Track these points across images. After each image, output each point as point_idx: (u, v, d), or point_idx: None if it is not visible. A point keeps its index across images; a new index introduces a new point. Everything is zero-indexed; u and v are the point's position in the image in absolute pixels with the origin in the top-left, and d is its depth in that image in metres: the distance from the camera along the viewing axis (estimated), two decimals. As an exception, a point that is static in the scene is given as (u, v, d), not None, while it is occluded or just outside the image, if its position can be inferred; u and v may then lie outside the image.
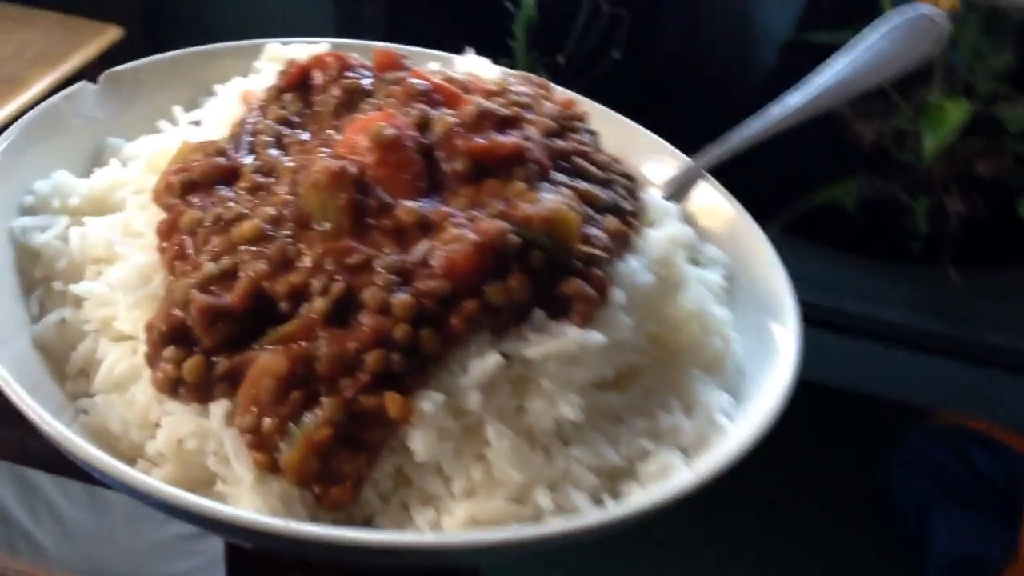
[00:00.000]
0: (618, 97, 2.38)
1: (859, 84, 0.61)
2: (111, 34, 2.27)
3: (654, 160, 0.65)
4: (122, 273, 0.47)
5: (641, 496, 0.44)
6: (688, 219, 0.61)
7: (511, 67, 2.08)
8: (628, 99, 2.39)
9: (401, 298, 0.43)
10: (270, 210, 0.46)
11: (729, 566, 2.19)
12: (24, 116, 0.54)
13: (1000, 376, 2.53)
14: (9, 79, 2.05)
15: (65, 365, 0.49)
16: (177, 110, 0.60)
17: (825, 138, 2.11)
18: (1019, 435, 2.42)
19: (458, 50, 2.26)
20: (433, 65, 0.65)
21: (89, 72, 2.34)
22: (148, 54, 2.39)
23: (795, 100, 0.63)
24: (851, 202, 2.16)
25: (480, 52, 2.28)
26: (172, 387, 0.44)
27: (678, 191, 0.62)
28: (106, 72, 0.59)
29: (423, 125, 0.49)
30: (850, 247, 2.37)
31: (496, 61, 2.12)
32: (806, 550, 2.29)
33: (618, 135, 0.64)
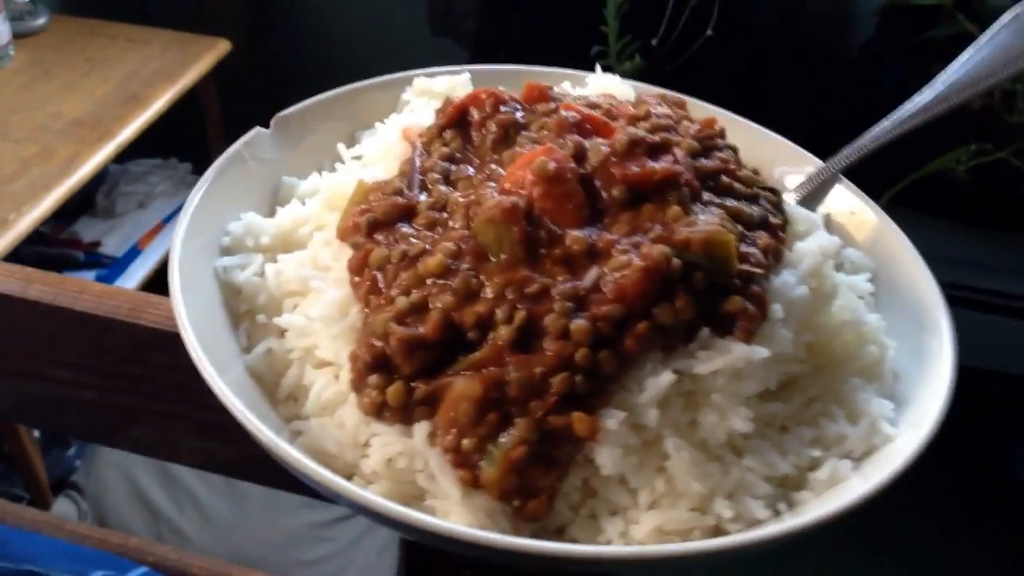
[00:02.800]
0: (715, 75, 2.38)
1: (987, 78, 0.62)
2: (221, 47, 2.37)
3: (787, 164, 0.67)
4: (321, 307, 0.53)
5: (818, 506, 0.47)
6: (826, 220, 0.64)
7: (604, 55, 2.08)
8: (725, 76, 2.39)
9: (579, 323, 0.47)
10: (450, 245, 0.50)
11: (844, 545, 2.18)
12: (212, 165, 0.60)
13: None
14: (133, 96, 2.17)
15: (275, 391, 0.54)
16: (340, 147, 0.64)
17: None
18: None
19: (552, 39, 2.28)
20: (567, 84, 0.68)
21: (204, 85, 2.46)
22: (257, 65, 2.50)
23: (924, 98, 0.64)
24: (962, 170, 2.11)
25: (573, 39, 2.29)
26: (378, 410, 0.49)
27: (814, 194, 0.64)
28: (276, 116, 0.64)
29: (580, 156, 0.53)
30: (963, 217, 2.31)
31: (589, 47, 2.13)
32: (928, 537, 2.27)
33: (748, 142, 0.66)
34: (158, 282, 2.05)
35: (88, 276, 2.12)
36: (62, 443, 1.97)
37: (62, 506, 1.75)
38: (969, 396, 2.50)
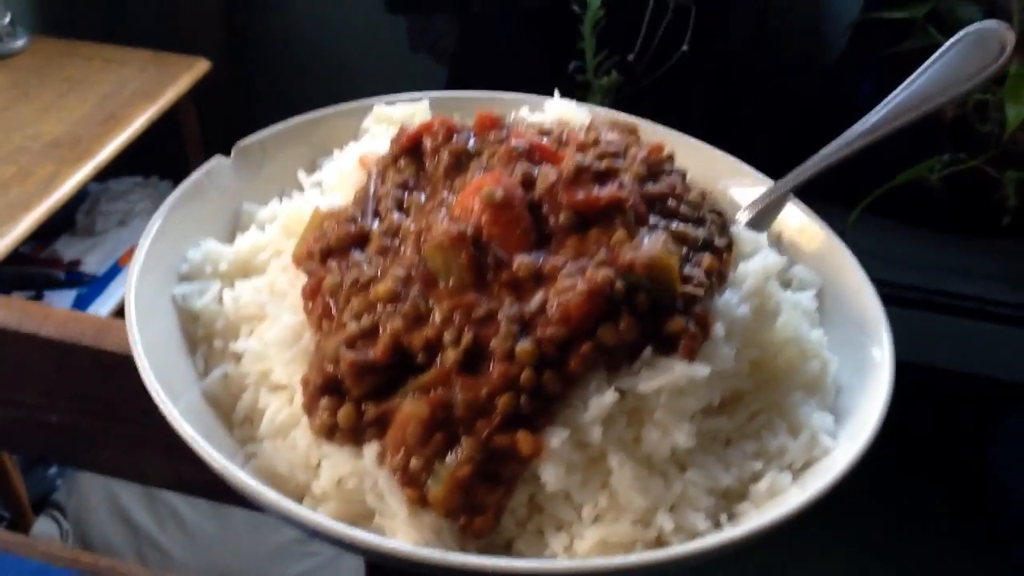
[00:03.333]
0: (691, 89, 2.40)
1: (935, 99, 0.64)
2: (200, 67, 2.38)
3: (741, 183, 0.68)
4: (276, 332, 0.54)
5: (757, 517, 0.49)
6: (776, 238, 0.65)
7: (582, 70, 2.10)
8: (701, 90, 2.41)
9: (524, 346, 0.49)
10: (400, 271, 0.52)
11: (831, 551, 2.20)
12: (172, 194, 0.61)
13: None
14: (112, 115, 2.18)
15: (231, 414, 0.55)
16: (301, 174, 0.66)
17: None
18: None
19: (530, 56, 2.29)
20: (524, 110, 0.70)
21: (183, 104, 2.46)
22: (236, 83, 2.51)
23: (871, 119, 0.66)
24: (936, 179, 2.14)
25: (551, 55, 2.31)
26: (329, 432, 0.50)
27: (766, 212, 0.66)
28: (236, 145, 0.65)
29: (527, 183, 0.54)
30: (937, 224, 2.34)
31: (567, 63, 2.15)
32: (909, 533, 2.28)
33: (705, 163, 0.68)
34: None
35: (69, 294, 2.12)
36: (43, 462, 1.97)
37: (43, 525, 1.75)
38: (941, 397, 2.51)
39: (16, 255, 1.76)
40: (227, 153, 0.66)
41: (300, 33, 2.60)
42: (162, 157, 2.59)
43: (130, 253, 2.24)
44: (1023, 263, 2.49)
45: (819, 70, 2.23)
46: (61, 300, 2.11)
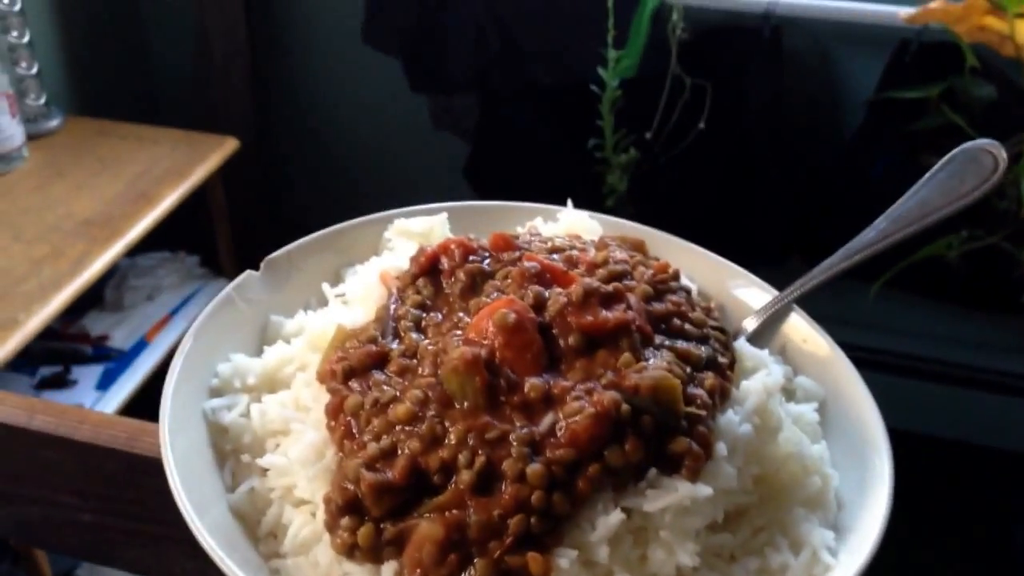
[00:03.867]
0: (707, 166, 2.45)
1: (928, 218, 0.67)
2: (229, 146, 2.46)
3: (746, 289, 0.71)
4: (299, 449, 0.57)
5: None
6: (780, 349, 0.67)
7: (600, 147, 2.15)
8: (717, 166, 2.45)
9: (535, 468, 0.51)
10: (418, 392, 0.55)
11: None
12: (205, 309, 0.64)
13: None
14: (143, 194, 2.25)
15: (257, 528, 0.58)
16: (325, 287, 0.69)
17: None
18: None
19: (550, 133, 2.35)
20: (538, 221, 0.73)
21: (212, 181, 2.53)
22: (262, 162, 2.58)
23: (870, 235, 0.68)
24: (954, 255, 2.16)
25: (571, 133, 2.36)
26: (350, 551, 0.53)
27: (769, 321, 0.69)
28: (265, 260, 0.69)
29: (539, 306, 0.57)
30: (957, 299, 2.35)
31: (586, 142, 2.21)
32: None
33: (711, 272, 0.71)
34: (164, 374, 2.09)
35: (96, 369, 2.16)
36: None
37: (65, 602, 1.77)
38: (966, 473, 2.49)
39: (45, 330, 1.81)
40: (256, 267, 0.69)
41: (327, 112, 2.68)
42: (190, 233, 2.65)
43: (156, 327, 2.29)
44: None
45: (834, 147, 2.26)
46: (88, 375, 2.15)
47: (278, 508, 0.57)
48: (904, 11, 1.92)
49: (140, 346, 2.24)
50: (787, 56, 2.19)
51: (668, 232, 0.72)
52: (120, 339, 2.25)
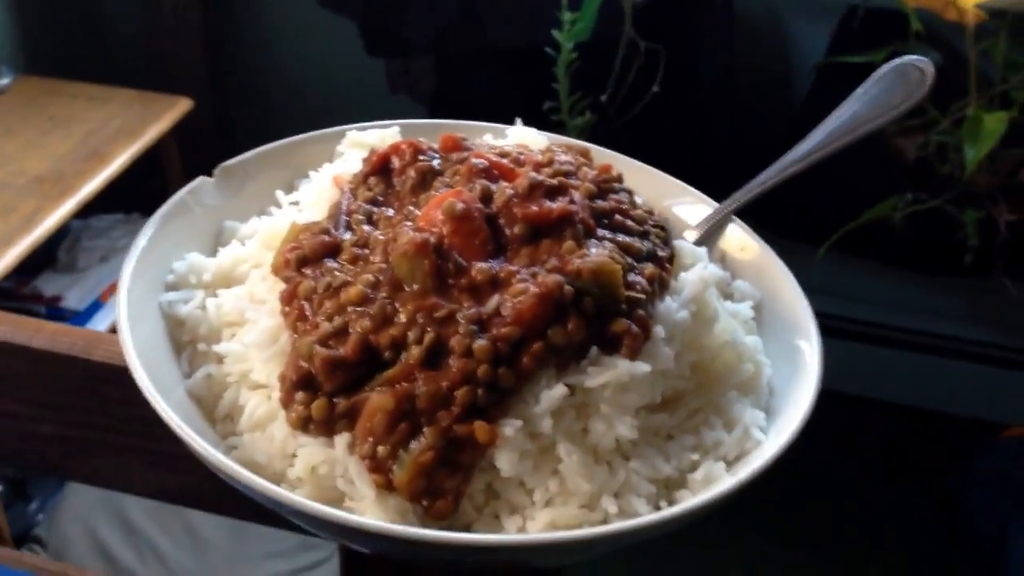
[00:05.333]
0: (662, 128, 2.48)
1: (860, 129, 0.70)
2: (183, 106, 2.43)
3: (688, 205, 0.74)
4: (255, 334, 0.59)
5: (691, 499, 0.53)
6: (720, 257, 0.71)
7: (556, 110, 2.18)
8: (671, 129, 2.50)
9: (481, 344, 0.54)
10: (369, 276, 0.57)
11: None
12: (158, 210, 0.66)
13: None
14: (95, 152, 2.22)
15: (214, 411, 0.60)
16: (279, 193, 0.71)
17: (869, 158, 2.16)
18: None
19: (507, 96, 2.37)
20: (488, 137, 0.75)
21: (165, 141, 2.51)
22: (216, 123, 2.57)
23: (805, 147, 0.71)
24: (899, 218, 2.21)
25: (527, 96, 2.39)
26: (304, 424, 0.55)
27: (710, 232, 0.72)
28: (219, 166, 0.70)
29: (486, 198, 0.60)
30: (901, 263, 2.41)
31: (541, 104, 2.23)
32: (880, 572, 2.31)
33: (653, 185, 0.73)
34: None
35: (50, 329, 2.14)
36: (24, 497, 1.98)
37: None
38: (907, 434, 2.56)
39: (-1, 290, 1.80)
40: (210, 175, 0.71)
41: (282, 74, 2.67)
42: (143, 194, 2.61)
43: (111, 289, 2.27)
44: (983, 301, 2.56)
45: (785, 110, 2.31)
46: (42, 334, 2.13)
47: (234, 392, 0.59)
48: (854, -25, 1.96)
49: (95, 307, 2.22)
50: (739, 22, 2.23)
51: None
52: (74, 300, 2.23)
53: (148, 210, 2.57)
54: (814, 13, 2.19)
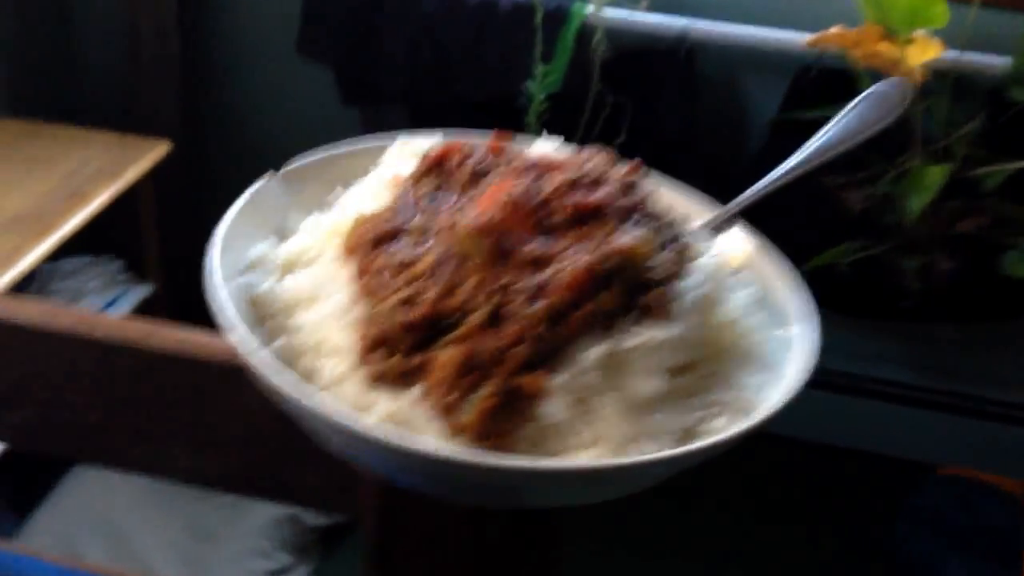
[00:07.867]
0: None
1: (844, 144, 0.80)
2: (161, 148, 2.49)
3: (694, 206, 0.84)
4: (331, 306, 0.67)
5: (701, 441, 0.63)
6: (724, 252, 0.80)
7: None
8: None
9: (535, 307, 0.62)
10: (436, 254, 0.66)
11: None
12: (231, 207, 0.74)
13: (995, 428, 2.65)
14: (75, 192, 2.26)
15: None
16: (338, 190, 0.79)
17: (817, 207, 2.30)
18: (1020, 481, 2.52)
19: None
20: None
21: (143, 184, 2.54)
22: (191, 166, 2.67)
23: (792, 162, 0.82)
24: (845, 264, 2.33)
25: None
26: (380, 378, 0.63)
27: (714, 231, 0.81)
28: (283, 169, 0.79)
29: (535, 189, 0.69)
30: (844, 308, 2.52)
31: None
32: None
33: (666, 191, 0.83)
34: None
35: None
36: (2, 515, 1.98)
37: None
38: (850, 477, 2.65)
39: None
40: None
41: (258, 121, 2.74)
42: (115, 237, 2.65)
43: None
44: (919, 346, 2.68)
45: (741, 162, 2.45)
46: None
47: (309, 360, 0.66)
48: (807, 37, 2.12)
49: (69, 343, 2.24)
50: (700, 78, 2.38)
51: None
52: (47, 337, 2.24)
53: (120, 253, 2.62)
54: (770, 71, 2.35)
